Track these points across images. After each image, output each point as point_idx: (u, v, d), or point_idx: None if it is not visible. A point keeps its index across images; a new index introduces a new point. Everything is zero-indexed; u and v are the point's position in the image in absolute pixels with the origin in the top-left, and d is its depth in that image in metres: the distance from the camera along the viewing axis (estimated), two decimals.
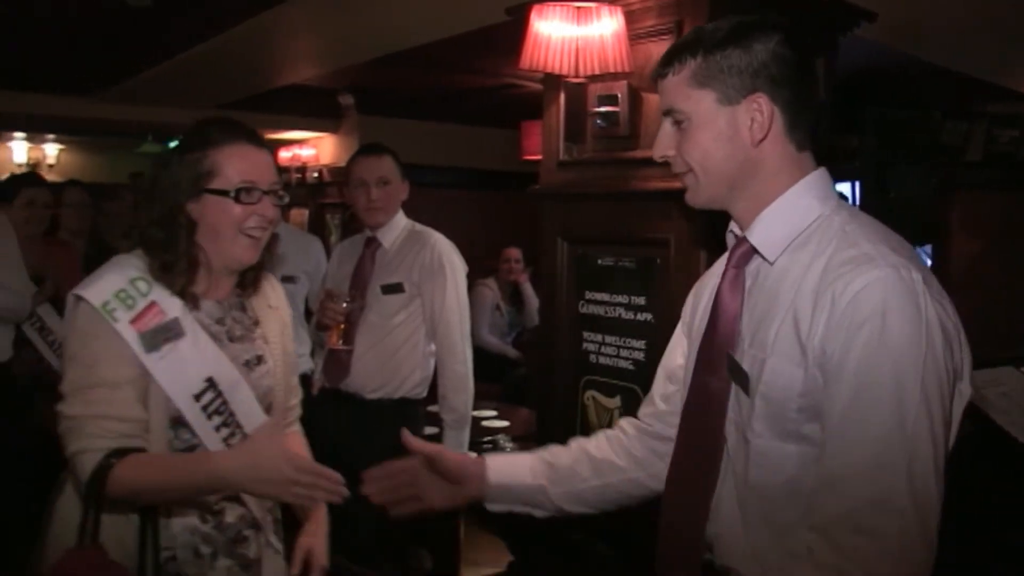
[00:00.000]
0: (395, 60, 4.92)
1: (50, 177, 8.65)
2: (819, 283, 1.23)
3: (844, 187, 6.40)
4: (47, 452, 3.47)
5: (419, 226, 3.22)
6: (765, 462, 1.30)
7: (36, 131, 9.05)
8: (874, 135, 5.38)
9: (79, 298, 1.66)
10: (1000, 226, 6.23)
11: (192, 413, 1.69)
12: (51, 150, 9.62)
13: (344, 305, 2.98)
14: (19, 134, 9.09)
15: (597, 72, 2.53)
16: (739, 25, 1.34)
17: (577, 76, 2.58)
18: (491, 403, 4.26)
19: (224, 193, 1.71)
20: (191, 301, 1.74)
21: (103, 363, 1.63)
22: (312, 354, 3.51)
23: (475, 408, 3.22)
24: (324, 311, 3.03)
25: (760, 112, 1.31)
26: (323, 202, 7.72)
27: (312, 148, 8.12)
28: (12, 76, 6.08)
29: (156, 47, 5.12)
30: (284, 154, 7.96)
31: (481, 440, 3.30)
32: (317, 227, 7.50)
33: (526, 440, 3.20)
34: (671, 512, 1.46)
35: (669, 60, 1.37)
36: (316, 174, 7.81)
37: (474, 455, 3.09)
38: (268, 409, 1.84)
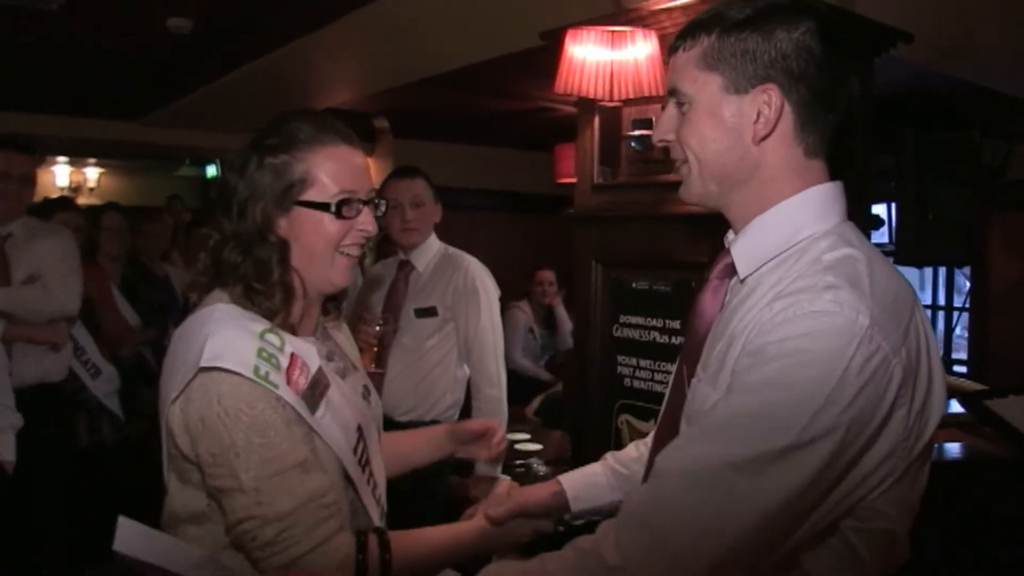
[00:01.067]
0: (430, 84, 4.96)
1: (90, 200, 8.86)
2: (766, 316, 1.07)
3: (880, 208, 6.34)
4: (86, 474, 3.55)
5: (452, 249, 3.23)
6: None
7: (78, 155, 9.23)
8: (912, 156, 5.32)
9: (218, 370, 1.30)
10: None
11: (354, 468, 1.43)
12: (92, 174, 9.80)
13: (377, 328, 2.99)
14: (62, 158, 9.28)
15: (631, 96, 2.53)
16: (765, 7, 1.18)
17: (612, 100, 2.58)
18: (524, 426, 4.25)
19: (323, 207, 1.40)
20: (290, 327, 1.44)
21: (282, 443, 1.31)
22: None
23: (508, 431, 3.21)
24: (357, 334, 3.04)
25: (768, 105, 1.15)
26: None
27: None
28: (56, 102, 6.22)
29: (195, 73, 5.21)
30: None
31: (514, 463, 3.29)
32: None
33: (559, 464, 3.17)
34: None
35: (683, 35, 1.22)
36: None
37: (507, 479, 3.09)
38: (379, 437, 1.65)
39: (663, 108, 1.27)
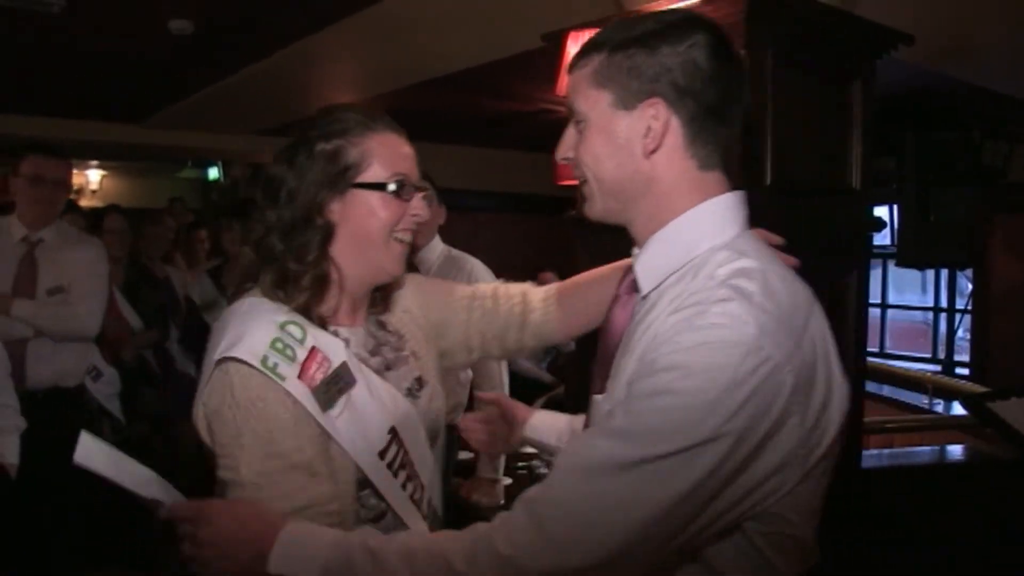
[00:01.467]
0: (432, 86, 4.98)
1: (92, 202, 8.86)
2: (660, 331, 1.08)
3: (882, 210, 6.34)
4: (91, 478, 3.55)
5: (455, 251, 3.23)
6: None
7: (80, 157, 9.24)
8: (913, 157, 5.32)
9: (230, 360, 1.30)
10: None
11: (379, 474, 1.38)
12: (94, 176, 9.82)
13: None
14: None
15: None
16: (655, 24, 1.18)
17: None
18: None
19: (379, 187, 1.40)
20: (320, 323, 1.40)
21: (286, 439, 1.29)
22: None
23: None
24: None
25: (656, 120, 1.16)
26: None
27: None
28: (57, 104, 6.23)
29: (197, 74, 5.22)
30: None
31: (516, 464, 3.28)
32: None
33: None
34: None
35: (579, 54, 1.24)
36: None
37: (509, 480, 3.09)
38: (436, 436, 1.56)
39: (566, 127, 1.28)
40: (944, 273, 7.09)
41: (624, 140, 1.18)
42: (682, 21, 1.19)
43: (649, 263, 1.20)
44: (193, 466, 1.57)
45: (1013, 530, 2.75)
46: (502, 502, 2.95)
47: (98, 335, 3.71)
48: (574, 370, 3.77)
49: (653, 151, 1.17)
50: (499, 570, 1.03)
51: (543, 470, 3.05)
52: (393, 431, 1.40)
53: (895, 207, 6.15)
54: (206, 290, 4.25)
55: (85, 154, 8.97)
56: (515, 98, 5.62)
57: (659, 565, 1.04)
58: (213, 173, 9.67)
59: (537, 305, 1.68)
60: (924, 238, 5.25)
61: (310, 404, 1.31)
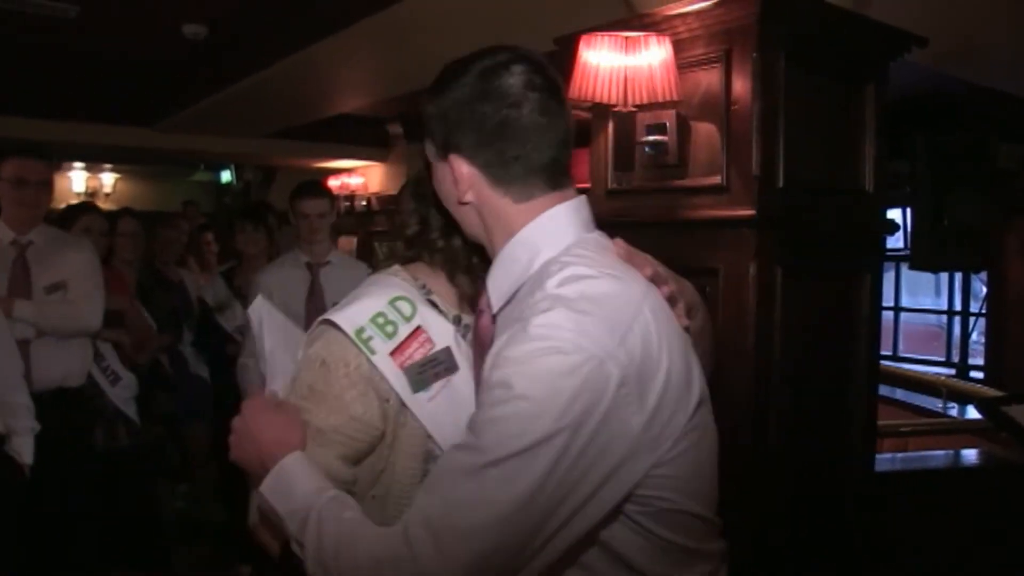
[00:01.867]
0: None
1: (106, 205, 8.90)
2: (496, 346, 1.12)
3: (895, 213, 6.31)
4: (106, 481, 3.57)
5: None
6: None
7: (95, 161, 9.31)
8: (927, 160, 5.30)
9: (329, 323, 1.32)
10: None
11: None
12: (108, 179, 9.88)
13: None
14: (78, 163, 9.36)
15: (646, 101, 2.53)
16: (447, 68, 1.21)
17: (625, 105, 2.58)
18: None
19: None
20: (456, 320, 1.38)
21: (319, 402, 1.30)
22: None
23: None
24: None
25: (459, 171, 1.20)
26: (372, 230, 7.82)
27: (361, 177, 8.23)
28: (72, 108, 6.27)
29: (210, 79, 5.24)
30: (333, 182, 8.10)
31: None
32: (365, 255, 7.60)
33: None
34: None
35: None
36: (364, 202, 7.91)
37: None
38: None
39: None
40: (958, 276, 7.06)
41: (447, 185, 1.24)
42: (456, 65, 1.21)
43: (495, 283, 1.23)
44: (203, 467, 1.59)
45: None
46: None
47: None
48: None
49: (467, 200, 1.22)
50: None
51: None
52: None
53: (908, 210, 6.12)
54: (219, 292, 4.26)
55: (99, 157, 9.03)
56: None
57: (561, 553, 1.09)
58: (226, 176, 9.72)
59: None
60: (938, 241, 5.22)
61: (398, 383, 1.29)
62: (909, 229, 6.09)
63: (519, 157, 1.19)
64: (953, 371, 6.85)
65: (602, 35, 2.55)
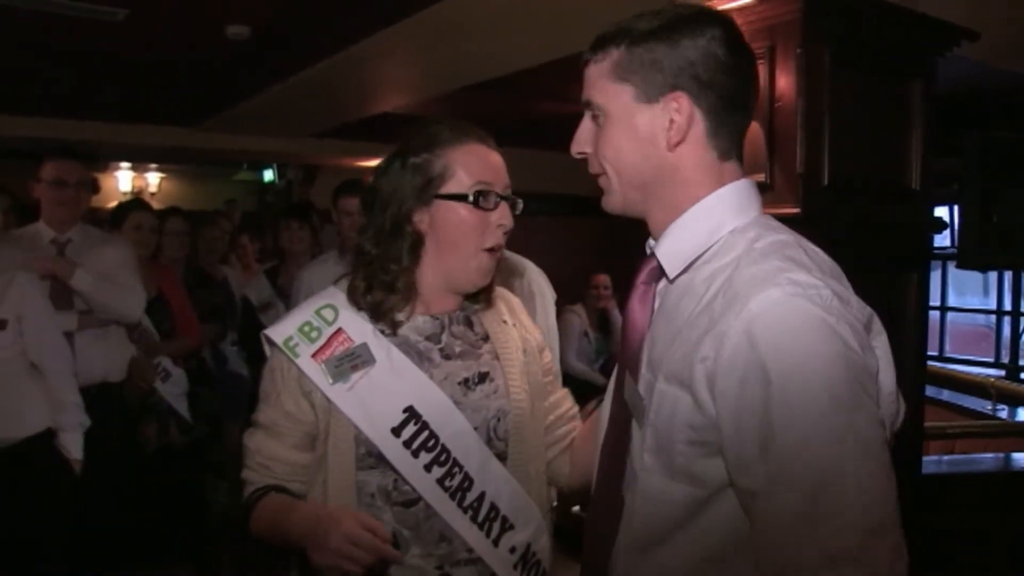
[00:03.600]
0: (484, 88, 4.99)
1: (152, 204, 9.05)
2: (716, 305, 1.08)
3: (943, 211, 6.20)
4: (148, 476, 3.62)
5: (508, 253, 3.23)
6: (651, 503, 1.16)
7: (140, 161, 9.45)
8: (975, 157, 5.19)
9: (267, 338, 1.56)
10: None
11: (392, 450, 1.45)
12: (153, 179, 10.02)
13: None
14: (124, 164, 9.51)
15: None
16: (672, 18, 1.20)
17: None
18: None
19: (460, 197, 1.48)
20: (389, 325, 1.52)
21: (265, 401, 1.55)
22: None
23: None
24: None
25: (679, 113, 1.18)
26: None
27: None
28: (119, 109, 6.38)
29: (253, 79, 5.30)
30: None
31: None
32: None
33: None
34: (587, 558, 1.33)
35: (593, 48, 1.26)
36: None
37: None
38: (504, 436, 1.53)
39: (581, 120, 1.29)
40: (1008, 275, 6.91)
41: (647, 133, 1.20)
42: (698, 15, 1.20)
43: (672, 248, 1.21)
44: (236, 467, 1.63)
45: None
46: (555, 503, 2.94)
47: (166, 333, 3.80)
48: None
49: (677, 143, 1.20)
50: None
51: None
52: (410, 410, 1.46)
53: (955, 207, 6.01)
54: (263, 291, 4.30)
55: (144, 157, 9.16)
56: (570, 99, 5.58)
57: None
58: (268, 175, 9.82)
59: (558, 441, 1.71)
60: (987, 240, 5.11)
61: (317, 376, 1.47)
62: (957, 227, 5.98)
63: (739, 110, 1.22)
64: (1003, 372, 6.71)
65: None
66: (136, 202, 4.32)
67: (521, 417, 1.56)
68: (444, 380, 1.51)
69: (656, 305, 1.25)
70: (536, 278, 3.13)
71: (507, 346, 1.60)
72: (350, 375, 1.47)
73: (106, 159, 8.74)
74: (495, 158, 1.56)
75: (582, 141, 1.29)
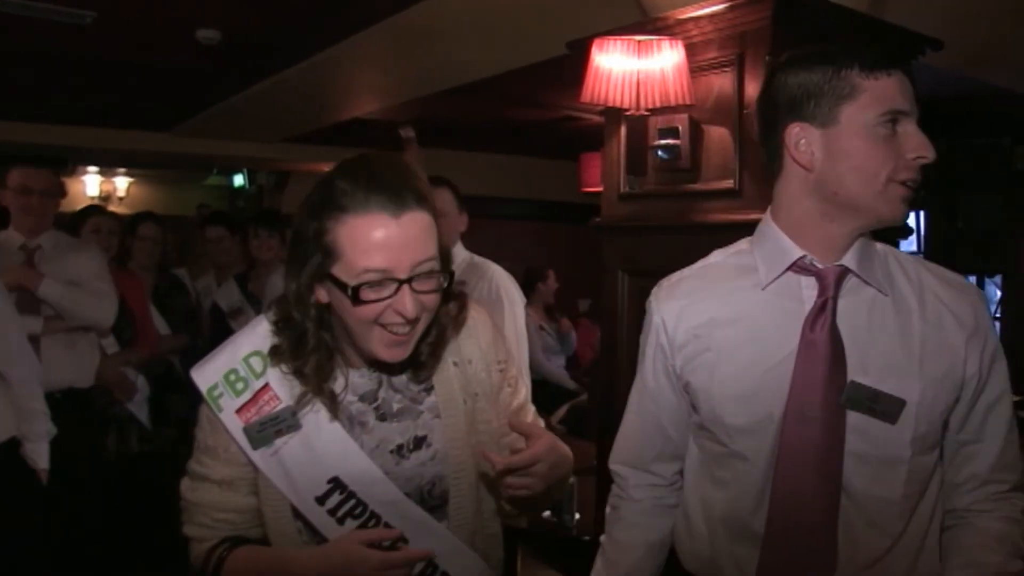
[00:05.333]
0: (456, 93, 4.98)
1: (120, 209, 8.95)
2: (946, 312, 1.38)
3: (910, 217, 6.28)
4: (116, 482, 3.58)
5: (477, 258, 3.24)
6: (912, 478, 1.37)
7: (108, 165, 9.34)
8: (942, 163, 5.27)
9: (192, 383, 1.42)
10: None
11: (317, 518, 1.36)
12: (121, 183, 9.91)
13: None
14: (92, 168, 9.39)
15: (658, 105, 2.53)
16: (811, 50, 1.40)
17: (638, 109, 2.58)
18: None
19: (343, 287, 1.27)
20: (316, 390, 1.37)
21: (213, 455, 1.41)
22: None
23: None
24: None
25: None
26: None
27: None
28: (87, 113, 6.30)
29: (224, 83, 5.26)
30: None
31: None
32: None
33: (585, 473, 3.17)
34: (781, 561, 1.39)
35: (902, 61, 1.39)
36: None
37: None
38: (441, 496, 1.42)
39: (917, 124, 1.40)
40: (972, 279, 7.01)
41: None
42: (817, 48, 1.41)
43: (865, 261, 1.40)
44: None
45: None
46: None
47: (127, 342, 3.76)
48: (598, 378, 3.76)
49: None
50: None
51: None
52: (335, 480, 1.36)
53: (922, 213, 6.09)
54: (232, 297, 4.27)
55: (113, 162, 9.06)
56: (540, 106, 5.62)
57: None
58: (239, 180, 9.74)
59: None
60: (952, 245, 5.19)
61: (240, 438, 1.37)
62: (923, 233, 6.06)
63: None
64: None
65: (615, 39, 2.55)
66: (94, 207, 4.31)
67: (462, 477, 1.42)
68: (375, 449, 1.38)
69: (842, 316, 1.36)
70: (504, 283, 3.13)
71: (451, 398, 1.44)
72: (273, 440, 1.36)
73: (74, 163, 8.63)
74: (402, 231, 1.26)
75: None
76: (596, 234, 2.94)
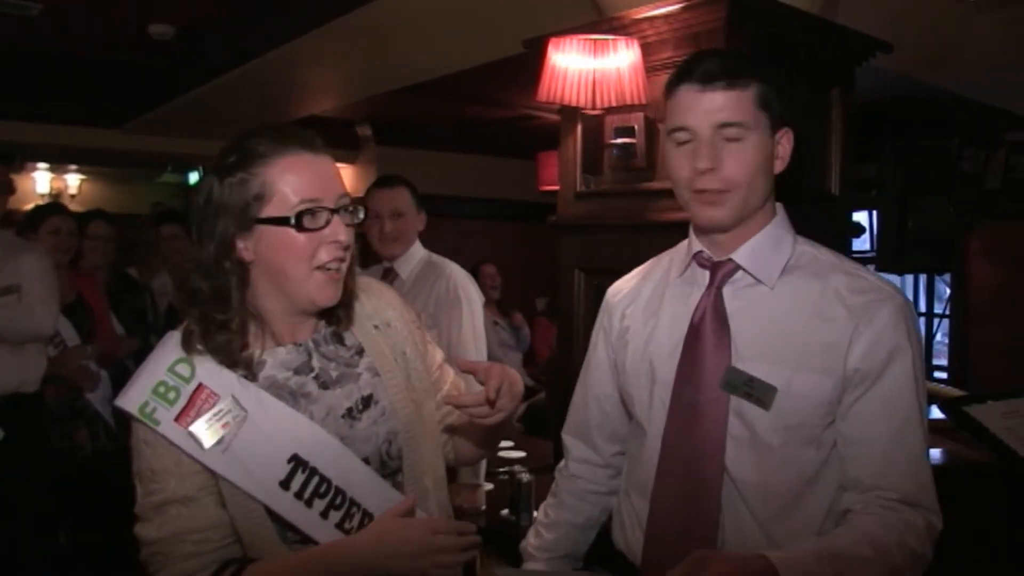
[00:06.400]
0: (413, 92, 4.97)
1: (72, 207, 8.77)
2: (842, 309, 1.40)
3: (862, 216, 6.38)
4: (70, 483, 3.53)
5: (436, 257, 3.22)
6: (788, 467, 1.41)
7: (59, 162, 9.16)
8: (892, 164, 5.37)
9: (120, 410, 1.35)
10: (1020, 254, 6.18)
11: (284, 505, 1.32)
12: (73, 180, 9.72)
13: None
14: (42, 165, 9.21)
15: (614, 104, 2.54)
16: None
17: (594, 108, 2.59)
18: (508, 433, 4.24)
19: (282, 221, 1.31)
20: (247, 367, 1.36)
21: (166, 475, 1.32)
22: None
23: None
24: None
25: (785, 145, 1.48)
26: None
27: None
28: (35, 108, 6.18)
29: (177, 79, 5.20)
30: None
31: (497, 470, 3.28)
32: None
33: (543, 472, 3.18)
34: (667, 533, 1.49)
35: (733, 74, 1.41)
36: None
37: (490, 486, 3.08)
38: (397, 455, 1.45)
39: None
40: (923, 278, 7.15)
41: (770, 157, 1.47)
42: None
43: (759, 259, 1.48)
44: None
45: (989, 535, 2.77)
46: (483, 507, 2.94)
47: (87, 335, 3.70)
48: (555, 376, 3.77)
49: (782, 170, 1.49)
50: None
51: (524, 476, 3.05)
52: (295, 458, 1.33)
53: (875, 213, 6.20)
54: None
55: (63, 158, 8.89)
56: (497, 104, 5.63)
57: None
58: (194, 178, 9.62)
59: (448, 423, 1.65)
60: (903, 244, 5.29)
61: (187, 445, 1.30)
62: (875, 232, 6.16)
63: None
64: None
65: (571, 38, 2.56)
66: (53, 206, 4.20)
67: (411, 433, 1.46)
68: (326, 417, 1.38)
69: (737, 304, 1.46)
70: (462, 282, 3.12)
71: (383, 356, 1.48)
72: (222, 435, 1.31)
73: (23, 160, 8.45)
74: (323, 166, 1.37)
75: (714, 158, 1.44)
76: (553, 232, 2.95)
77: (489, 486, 3.09)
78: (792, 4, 2.54)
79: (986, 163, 6.10)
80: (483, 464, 3.08)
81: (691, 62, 1.45)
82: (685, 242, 1.61)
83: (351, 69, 4.84)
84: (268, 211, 1.32)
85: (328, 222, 1.33)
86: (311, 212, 1.32)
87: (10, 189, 3.50)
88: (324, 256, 1.34)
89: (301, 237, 1.32)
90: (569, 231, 2.90)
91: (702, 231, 1.51)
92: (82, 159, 8.89)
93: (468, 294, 3.11)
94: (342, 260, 1.36)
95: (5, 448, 2.90)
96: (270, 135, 1.36)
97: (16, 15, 3.80)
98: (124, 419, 1.38)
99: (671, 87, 1.47)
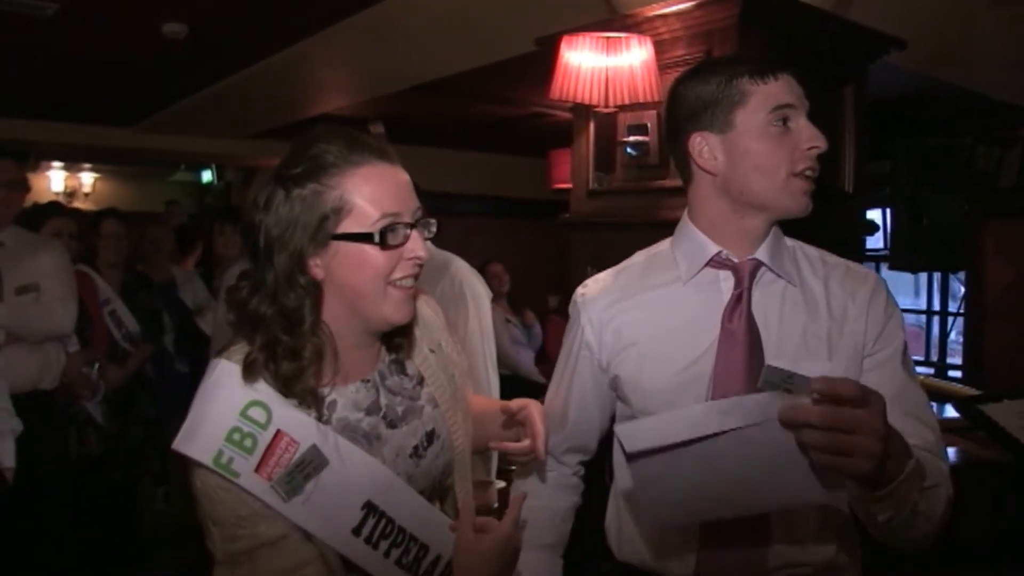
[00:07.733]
0: (425, 90, 4.97)
1: (85, 206, 8.84)
2: (846, 296, 1.45)
3: (875, 214, 6.35)
4: (79, 482, 3.54)
5: (438, 251, 3.20)
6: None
7: (73, 160, 9.22)
8: (906, 161, 5.34)
9: (187, 458, 1.22)
10: None
11: (354, 550, 1.27)
12: (87, 179, 9.78)
13: None
14: (57, 163, 9.27)
15: (627, 102, 2.54)
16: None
17: (607, 106, 2.59)
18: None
19: (364, 238, 1.23)
20: (318, 407, 1.28)
21: (256, 519, 1.23)
22: None
23: None
24: None
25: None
26: None
27: None
28: (50, 107, 6.22)
29: (190, 78, 5.21)
30: None
31: (509, 468, 3.28)
32: None
33: None
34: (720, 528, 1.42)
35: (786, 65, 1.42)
36: None
37: (503, 483, 3.08)
38: (450, 483, 1.47)
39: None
40: (937, 276, 7.10)
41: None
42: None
43: (776, 254, 1.47)
44: (178, 471, 1.56)
45: (1006, 535, 2.76)
46: (495, 504, 2.94)
47: (86, 340, 3.70)
48: None
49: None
50: None
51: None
52: (368, 505, 1.28)
53: (888, 211, 6.16)
54: (199, 295, 4.23)
55: (78, 157, 8.95)
56: (509, 102, 5.62)
57: None
58: (207, 176, 9.66)
59: None
60: (917, 242, 5.25)
61: (269, 498, 1.21)
62: (889, 230, 6.13)
63: None
64: (932, 370, 6.89)
65: (584, 36, 2.56)
66: (53, 206, 4.15)
67: (463, 463, 1.46)
68: (396, 458, 1.34)
69: (757, 306, 1.44)
70: (468, 278, 3.07)
71: (441, 386, 1.44)
72: (303, 487, 1.22)
73: (38, 158, 8.51)
74: (400, 177, 1.29)
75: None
76: (565, 230, 2.95)
77: (501, 483, 3.09)
78: (805, 1, 2.53)
79: (1001, 161, 6.05)
80: (495, 461, 3.08)
81: (756, 56, 1.46)
82: (664, 243, 1.59)
83: (363, 67, 4.84)
84: (346, 226, 1.23)
85: (407, 238, 1.26)
86: (392, 228, 1.24)
87: (25, 187, 3.51)
88: (400, 273, 1.27)
89: (382, 255, 1.24)
90: (581, 228, 2.90)
91: (786, 217, 1.46)
92: (95, 158, 8.94)
93: (474, 291, 3.08)
94: (416, 276, 1.30)
95: (24, 443, 2.91)
96: (340, 142, 1.26)
97: (31, 15, 3.82)
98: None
99: (759, 76, 1.40)
